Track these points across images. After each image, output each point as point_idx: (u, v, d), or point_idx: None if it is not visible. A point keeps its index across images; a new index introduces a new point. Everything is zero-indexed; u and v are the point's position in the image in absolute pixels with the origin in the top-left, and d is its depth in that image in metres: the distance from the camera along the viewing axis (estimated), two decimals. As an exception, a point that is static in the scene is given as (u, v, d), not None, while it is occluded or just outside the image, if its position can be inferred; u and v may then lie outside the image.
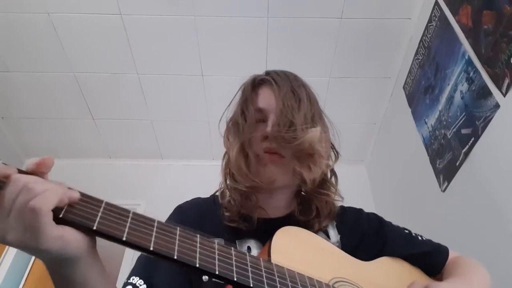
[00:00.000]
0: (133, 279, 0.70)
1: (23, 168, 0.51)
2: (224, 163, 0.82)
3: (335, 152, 0.82)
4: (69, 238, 0.48)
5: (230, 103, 0.83)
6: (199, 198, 0.87)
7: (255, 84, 0.80)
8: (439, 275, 0.85)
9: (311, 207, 0.78)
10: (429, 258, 0.85)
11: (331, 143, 0.81)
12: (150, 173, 2.76)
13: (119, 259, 2.31)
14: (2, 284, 2.52)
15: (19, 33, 2.10)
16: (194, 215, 0.81)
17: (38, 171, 0.50)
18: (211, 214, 0.80)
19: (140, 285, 0.69)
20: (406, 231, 0.88)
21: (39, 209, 0.45)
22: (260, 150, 0.73)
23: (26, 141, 2.70)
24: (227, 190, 0.79)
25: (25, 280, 2.82)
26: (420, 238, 0.88)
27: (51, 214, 0.46)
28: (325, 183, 0.80)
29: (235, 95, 0.82)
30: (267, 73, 0.81)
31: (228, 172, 0.79)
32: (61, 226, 0.48)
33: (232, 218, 0.76)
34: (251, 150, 0.72)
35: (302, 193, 0.82)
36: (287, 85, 0.76)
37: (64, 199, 0.48)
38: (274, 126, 0.72)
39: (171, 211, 0.84)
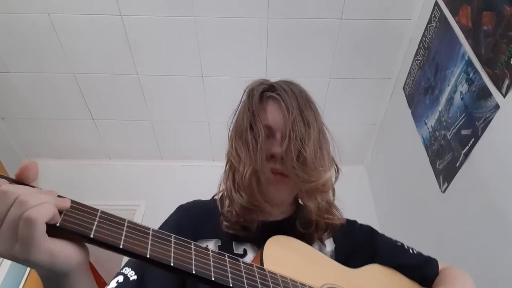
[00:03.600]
0: (125, 270, 0.71)
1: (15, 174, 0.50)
2: (227, 171, 0.80)
3: (336, 168, 0.81)
4: (58, 254, 0.48)
5: (235, 113, 0.81)
6: (199, 200, 0.88)
7: (262, 99, 0.78)
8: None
9: (312, 221, 0.78)
10: (420, 271, 0.86)
11: (333, 159, 0.81)
12: (150, 174, 2.76)
13: (119, 260, 2.31)
14: (2, 284, 2.52)
15: (19, 33, 2.10)
16: (195, 214, 0.82)
17: (24, 177, 0.49)
18: (210, 215, 0.81)
19: (131, 276, 0.69)
20: (399, 243, 0.89)
21: (35, 219, 0.44)
22: (272, 174, 0.73)
23: (26, 141, 2.70)
24: (228, 200, 0.79)
25: (25, 281, 2.82)
26: (411, 251, 0.89)
27: (44, 227, 0.46)
28: (329, 208, 0.80)
29: (240, 102, 0.81)
30: (274, 87, 0.79)
31: (234, 184, 0.77)
32: (52, 240, 0.47)
33: (231, 227, 0.77)
34: (263, 175, 0.72)
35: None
36: (295, 105, 0.75)
37: (56, 213, 0.47)
38: (283, 151, 0.72)
39: (171, 211, 0.85)
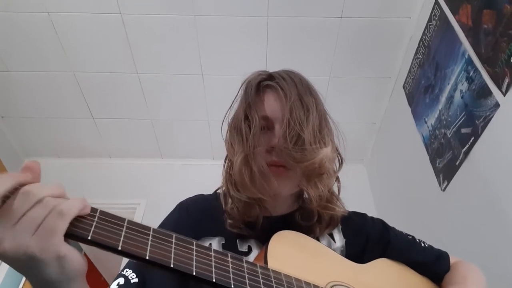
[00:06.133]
0: (126, 271, 0.70)
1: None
2: (226, 168, 0.78)
3: (340, 158, 0.79)
4: (72, 257, 0.47)
5: (232, 104, 0.78)
6: (201, 195, 0.87)
7: (259, 89, 0.75)
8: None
9: (313, 213, 0.76)
10: (432, 267, 0.85)
11: (336, 148, 0.78)
12: (150, 173, 2.76)
13: (119, 258, 2.31)
14: (2, 284, 2.52)
15: (19, 32, 2.09)
16: (196, 212, 0.80)
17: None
18: (213, 211, 0.79)
19: (132, 278, 0.68)
20: (410, 237, 0.88)
21: (67, 212, 0.45)
22: (264, 162, 0.70)
23: (26, 140, 2.70)
24: (229, 198, 0.77)
25: (25, 281, 2.82)
26: (422, 244, 0.87)
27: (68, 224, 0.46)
28: (331, 198, 0.77)
29: (237, 95, 0.78)
30: (272, 76, 0.76)
31: (231, 180, 0.75)
32: (67, 245, 0.47)
33: (236, 225, 0.75)
34: (255, 164, 0.69)
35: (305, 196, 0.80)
36: (294, 92, 0.72)
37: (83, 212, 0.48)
38: (281, 140, 0.69)
39: (171, 210, 0.84)
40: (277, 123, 0.72)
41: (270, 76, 0.76)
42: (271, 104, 0.73)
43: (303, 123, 0.69)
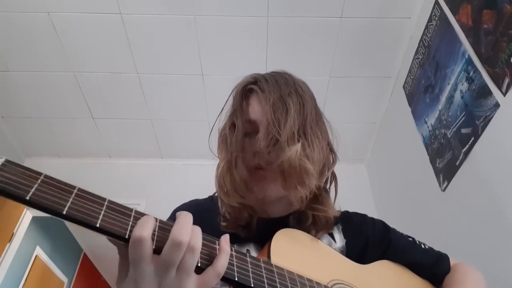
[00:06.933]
0: None
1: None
2: (216, 173, 0.78)
3: (333, 155, 0.78)
4: None
5: (222, 109, 0.78)
6: (196, 200, 0.87)
7: (244, 93, 0.75)
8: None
9: (307, 215, 0.76)
10: (432, 268, 0.85)
11: (330, 146, 0.78)
12: (150, 173, 2.76)
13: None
14: (2, 285, 2.52)
15: (19, 32, 2.10)
16: (193, 218, 0.81)
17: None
18: (209, 217, 0.78)
19: None
20: (410, 239, 0.88)
21: (198, 248, 0.52)
22: (245, 169, 0.70)
23: (26, 140, 2.70)
24: (221, 202, 0.77)
25: (25, 281, 2.82)
26: (423, 246, 0.87)
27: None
28: (318, 198, 0.76)
29: (227, 99, 0.78)
30: (256, 79, 0.75)
31: (220, 185, 0.75)
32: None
33: (230, 227, 0.75)
34: (236, 171, 0.70)
35: None
36: (276, 93, 0.70)
37: None
38: (261, 143, 0.68)
39: (171, 210, 0.84)
40: (261, 126, 0.71)
41: (255, 79, 0.76)
42: (255, 108, 0.73)
43: (280, 125, 0.67)
